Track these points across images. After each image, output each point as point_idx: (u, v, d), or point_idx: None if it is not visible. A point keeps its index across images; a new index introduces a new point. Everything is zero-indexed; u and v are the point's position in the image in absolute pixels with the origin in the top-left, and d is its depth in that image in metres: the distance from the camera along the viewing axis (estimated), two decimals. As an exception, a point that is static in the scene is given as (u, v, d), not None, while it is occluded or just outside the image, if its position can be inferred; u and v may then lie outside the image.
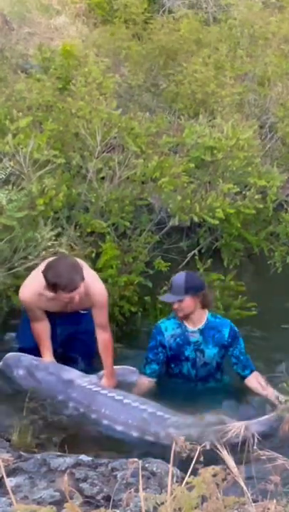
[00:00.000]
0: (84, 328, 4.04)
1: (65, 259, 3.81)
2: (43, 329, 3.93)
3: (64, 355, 4.19)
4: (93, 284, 3.84)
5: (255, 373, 3.98)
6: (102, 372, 3.91)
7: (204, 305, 3.93)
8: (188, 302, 3.85)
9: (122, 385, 3.90)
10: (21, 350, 4.10)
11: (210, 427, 3.36)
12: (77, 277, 3.68)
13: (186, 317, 3.91)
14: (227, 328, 3.96)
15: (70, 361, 4.11)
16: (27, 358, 3.90)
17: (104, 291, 3.92)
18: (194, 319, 3.94)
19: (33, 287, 3.79)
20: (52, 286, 3.66)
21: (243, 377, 4.00)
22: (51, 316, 3.95)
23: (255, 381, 3.94)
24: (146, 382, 3.98)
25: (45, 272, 3.68)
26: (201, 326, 3.95)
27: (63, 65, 5.85)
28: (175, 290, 3.84)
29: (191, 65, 5.91)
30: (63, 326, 4.04)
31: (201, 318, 3.95)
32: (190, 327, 3.95)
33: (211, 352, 3.97)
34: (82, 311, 4.00)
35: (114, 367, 3.94)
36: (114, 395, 3.75)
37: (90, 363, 4.07)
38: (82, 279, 3.69)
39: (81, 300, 3.78)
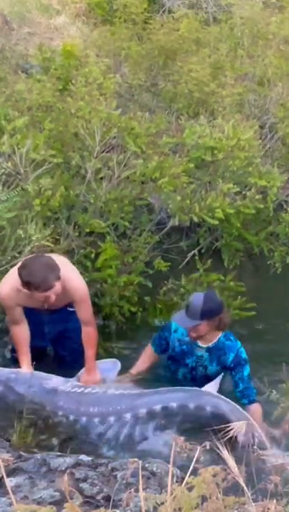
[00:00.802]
0: (73, 326, 3.99)
1: (40, 258, 3.72)
2: (21, 334, 3.87)
3: (53, 353, 4.21)
4: (72, 280, 3.77)
5: (255, 406, 3.83)
6: (82, 371, 3.87)
7: (219, 328, 3.84)
8: (203, 327, 3.76)
9: (106, 380, 3.89)
10: (13, 350, 4.10)
11: None
12: (52, 277, 3.60)
13: (199, 338, 3.86)
14: (233, 353, 3.87)
15: (60, 359, 4.13)
16: (3, 373, 3.79)
17: (83, 286, 3.85)
18: (206, 338, 3.87)
19: (10, 283, 3.72)
20: (26, 284, 3.60)
21: (242, 404, 3.86)
22: (39, 315, 3.90)
23: (251, 413, 3.74)
24: (153, 353, 4.05)
25: (20, 271, 3.62)
26: (210, 344, 3.89)
27: (63, 65, 5.85)
28: (191, 312, 3.72)
29: (187, 65, 5.90)
30: (51, 325, 4.02)
31: (213, 337, 3.88)
32: (200, 343, 3.90)
33: (213, 369, 3.94)
34: (69, 309, 3.95)
35: (97, 361, 3.90)
36: (98, 391, 3.76)
37: (79, 361, 3.98)
38: (58, 278, 3.61)
39: (59, 297, 3.71)
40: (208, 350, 3.89)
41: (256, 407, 3.82)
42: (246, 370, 3.88)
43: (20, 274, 3.61)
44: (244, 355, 3.90)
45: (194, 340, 3.86)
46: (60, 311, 3.96)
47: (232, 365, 3.88)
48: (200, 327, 3.75)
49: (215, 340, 3.88)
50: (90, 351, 3.87)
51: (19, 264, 3.74)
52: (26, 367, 3.84)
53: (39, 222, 4.27)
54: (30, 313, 3.90)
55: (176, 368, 4.03)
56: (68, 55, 5.91)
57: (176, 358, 3.98)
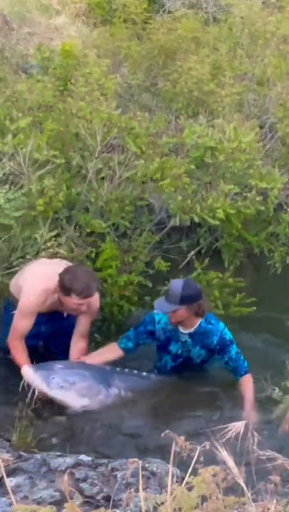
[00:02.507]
0: (67, 324, 4.03)
1: (83, 266, 3.90)
2: (24, 348, 3.88)
3: (44, 349, 4.21)
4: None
5: (246, 377, 3.99)
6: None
7: (198, 314, 3.91)
8: (182, 312, 3.84)
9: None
10: (1, 349, 4.10)
11: None
12: (94, 285, 3.75)
13: (178, 323, 3.93)
14: (216, 336, 3.95)
15: (51, 354, 4.11)
16: (57, 373, 3.81)
17: (98, 301, 3.97)
18: (186, 323, 3.95)
19: (41, 288, 3.78)
20: (67, 290, 3.68)
21: (236, 379, 4.02)
22: (37, 315, 3.91)
23: (242, 384, 3.98)
24: (117, 351, 4.03)
25: (62, 276, 3.70)
26: (191, 330, 3.97)
27: (63, 64, 5.85)
28: (170, 298, 3.82)
29: (186, 63, 5.89)
30: (48, 324, 4.02)
31: (194, 323, 3.95)
32: (181, 329, 3.97)
33: (197, 352, 4.02)
34: None
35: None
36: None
37: (68, 357, 4.04)
38: (97, 289, 3.75)
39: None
40: (191, 335, 3.97)
41: (246, 379, 3.97)
42: (233, 350, 3.97)
43: (62, 279, 3.69)
44: (228, 336, 3.98)
45: (176, 326, 3.93)
46: (58, 312, 3.98)
47: (218, 348, 3.97)
48: (179, 312, 3.82)
49: (196, 326, 3.95)
50: None
51: (37, 267, 3.80)
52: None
53: (45, 224, 4.28)
54: None
55: (161, 357, 4.11)
56: (67, 55, 5.91)
57: (162, 345, 4.06)
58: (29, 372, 3.72)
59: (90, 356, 4.03)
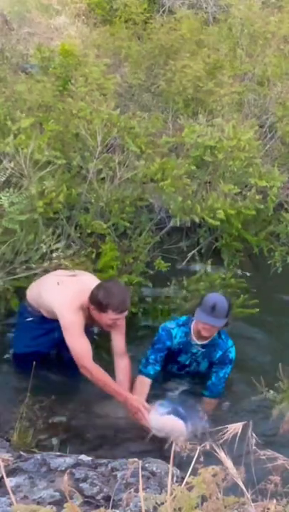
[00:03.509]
0: None
1: (115, 281, 3.91)
2: (103, 374, 3.70)
3: (57, 357, 4.17)
4: None
5: (213, 401, 3.99)
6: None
7: (226, 326, 3.90)
8: (222, 326, 3.83)
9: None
10: (15, 355, 4.09)
11: None
12: (128, 300, 3.74)
13: (210, 337, 3.90)
14: (221, 351, 3.96)
15: (61, 359, 4.08)
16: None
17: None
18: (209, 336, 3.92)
19: (72, 307, 3.70)
20: (103, 306, 3.64)
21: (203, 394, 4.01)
22: (51, 322, 3.87)
23: (206, 403, 3.96)
24: (148, 382, 3.91)
25: (96, 292, 3.67)
26: (205, 341, 3.94)
27: (62, 64, 5.84)
28: (218, 313, 3.75)
29: (179, 62, 5.88)
30: (61, 331, 3.90)
31: (213, 335, 3.94)
32: (196, 340, 3.93)
33: (205, 364, 4.03)
34: None
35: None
36: None
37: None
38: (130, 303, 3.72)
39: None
40: (203, 346, 3.95)
41: (212, 402, 3.98)
42: (226, 370, 3.97)
43: (96, 296, 3.66)
44: (232, 355, 3.97)
45: (203, 340, 3.90)
46: None
47: (216, 362, 3.97)
48: (221, 326, 3.82)
49: (210, 338, 3.94)
50: (127, 383, 3.83)
51: (60, 282, 3.76)
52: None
53: (48, 229, 4.26)
54: (44, 322, 3.91)
55: (168, 364, 4.07)
56: (67, 54, 5.91)
57: (171, 356, 4.02)
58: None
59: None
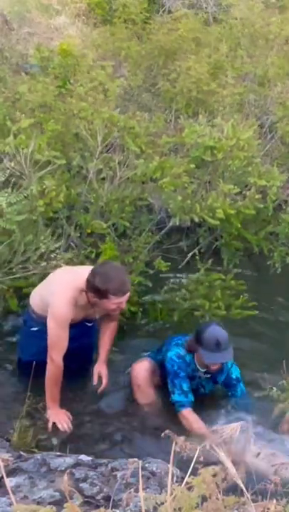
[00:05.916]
0: (87, 342, 3.92)
1: (111, 264, 3.69)
2: (60, 375, 3.63)
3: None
4: None
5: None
6: None
7: None
8: None
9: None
10: (20, 361, 4.02)
11: None
12: (127, 280, 3.57)
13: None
14: (224, 375, 3.93)
15: (68, 370, 3.84)
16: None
17: None
18: None
19: (66, 298, 3.56)
20: (102, 292, 3.47)
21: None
22: None
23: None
24: (193, 412, 3.75)
25: (92, 279, 3.49)
26: None
27: (61, 64, 5.85)
28: (225, 346, 3.68)
29: (185, 63, 5.88)
30: (69, 340, 3.75)
31: None
32: (200, 368, 3.88)
33: (208, 388, 4.01)
34: (87, 324, 3.86)
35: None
36: None
37: (87, 374, 3.95)
38: (130, 281, 3.59)
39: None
40: (206, 372, 3.90)
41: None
42: (240, 388, 3.93)
43: (92, 282, 3.48)
44: (235, 374, 3.95)
45: (213, 371, 3.86)
46: (77, 326, 3.74)
47: (222, 384, 3.97)
48: (232, 356, 3.77)
49: None
50: (110, 346, 3.87)
51: (57, 276, 3.67)
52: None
53: (47, 229, 4.26)
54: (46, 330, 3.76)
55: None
56: (65, 54, 5.91)
57: None
58: None
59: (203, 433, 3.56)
